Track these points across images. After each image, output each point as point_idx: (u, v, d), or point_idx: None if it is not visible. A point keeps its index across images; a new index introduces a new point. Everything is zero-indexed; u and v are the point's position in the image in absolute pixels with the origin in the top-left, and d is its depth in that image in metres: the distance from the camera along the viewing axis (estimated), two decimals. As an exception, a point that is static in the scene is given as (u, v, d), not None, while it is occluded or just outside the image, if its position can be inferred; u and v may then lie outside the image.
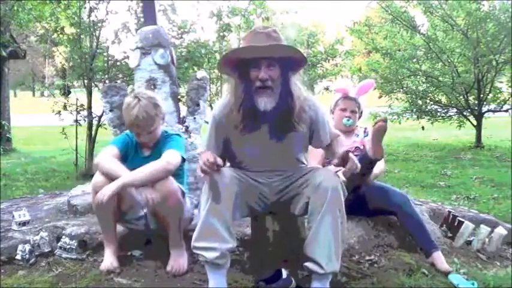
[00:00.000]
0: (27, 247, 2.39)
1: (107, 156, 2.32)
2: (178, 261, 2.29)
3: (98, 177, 2.28)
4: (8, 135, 8.78)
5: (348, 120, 2.83)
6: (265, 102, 1.98)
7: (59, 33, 6.45)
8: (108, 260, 2.31)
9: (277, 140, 2.06)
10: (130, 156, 2.45)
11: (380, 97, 8.95)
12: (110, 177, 2.24)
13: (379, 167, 2.71)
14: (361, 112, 2.91)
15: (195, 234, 1.97)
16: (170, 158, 2.27)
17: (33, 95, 30.63)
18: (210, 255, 1.94)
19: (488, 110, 8.52)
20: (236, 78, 2.04)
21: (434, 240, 2.59)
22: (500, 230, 2.77)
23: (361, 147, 2.80)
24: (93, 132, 6.23)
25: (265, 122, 2.03)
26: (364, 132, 2.91)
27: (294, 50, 2.00)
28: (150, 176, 2.20)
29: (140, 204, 2.37)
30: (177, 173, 2.42)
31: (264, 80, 1.96)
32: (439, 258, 2.45)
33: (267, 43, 1.92)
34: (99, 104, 4.04)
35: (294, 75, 2.04)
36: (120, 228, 2.48)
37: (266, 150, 2.08)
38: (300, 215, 2.12)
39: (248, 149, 2.09)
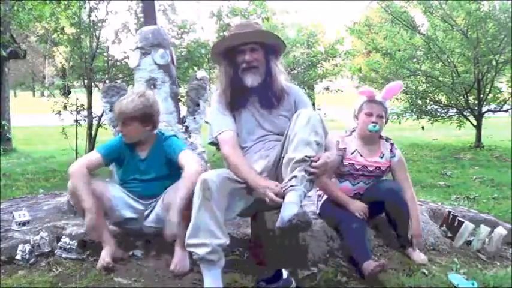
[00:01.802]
0: (27, 247, 2.38)
1: (78, 173, 2.29)
2: (182, 260, 2.28)
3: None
4: (8, 135, 8.78)
5: (374, 126, 2.56)
6: (252, 80, 2.26)
7: (59, 33, 6.46)
8: (102, 257, 2.31)
9: (268, 109, 2.30)
10: (126, 159, 2.46)
11: (380, 97, 8.95)
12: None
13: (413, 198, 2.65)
14: (388, 118, 2.69)
15: (188, 232, 2.02)
16: (196, 160, 2.32)
17: (33, 95, 30.59)
18: (201, 251, 1.99)
19: (488, 110, 8.53)
20: (225, 65, 2.31)
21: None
22: (500, 230, 2.77)
23: (383, 168, 2.63)
24: (93, 132, 6.23)
25: (254, 96, 2.30)
26: (391, 151, 2.67)
27: (273, 35, 2.34)
28: (193, 186, 2.13)
29: (125, 206, 2.39)
30: (175, 173, 2.41)
31: (249, 61, 2.24)
32: (415, 251, 2.54)
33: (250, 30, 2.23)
34: (99, 104, 4.04)
35: (276, 59, 2.33)
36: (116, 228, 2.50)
37: (259, 118, 2.29)
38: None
39: (244, 119, 2.29)
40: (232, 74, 2.28)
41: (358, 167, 2.59)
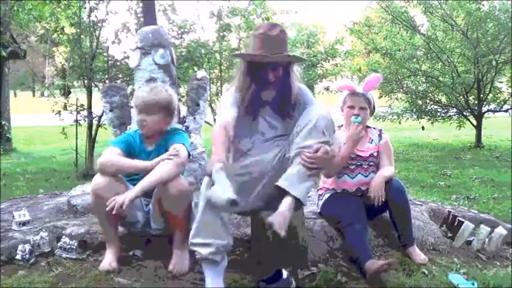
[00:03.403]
0: (27, 247, 2.38)
1: (113, 155, 2.29)
2: (180, 261, 2.28)
3: (99, 179, 2.24)
4: (8, 135, 8.80)
5: (356, 118, 2.62)
6: (268, 95, 2.24)
7: (59, 33, 6.46)
8: (107, 260, 2.30)
9: (280, 115, 2.24)
10: (136, 152, 2.42)
11: (380, 97, 8.96)
12: (122, 173, 2.28)
13: (389, 170, 2.66)
14: (374, 107, 2.73)
15: (192, 231, 2.02)
16: (185, 153, 2.28)
17: (33, 95, 30.59)
18: (205, 251, 1.99)
19: (488, 110, 8.52)
20: (245, 76, 2.23)
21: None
22: (500, 230, 2.77)
23: (375, 153, 2.69)
24: (93, 132, 6.23)
25: (268, 104, 2.25)
26: (379, 136, 2.74)
27: (298, 58, 2.31)
28: (166, 174, 2.18)
29: (138, 208, 2.36)
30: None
31: (271, 81, 2.18)
32: (415, 251, 2.53)
33: (277, 50, 2.12)
34: (99, 104, 4.04)
35: (294, 66, 2.26)
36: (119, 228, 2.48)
37: (270, 120, 2.25)
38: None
39: (255, 121, 2.24)
40: (251, 89, 2.22)
41: (352, 156, 2.64)
